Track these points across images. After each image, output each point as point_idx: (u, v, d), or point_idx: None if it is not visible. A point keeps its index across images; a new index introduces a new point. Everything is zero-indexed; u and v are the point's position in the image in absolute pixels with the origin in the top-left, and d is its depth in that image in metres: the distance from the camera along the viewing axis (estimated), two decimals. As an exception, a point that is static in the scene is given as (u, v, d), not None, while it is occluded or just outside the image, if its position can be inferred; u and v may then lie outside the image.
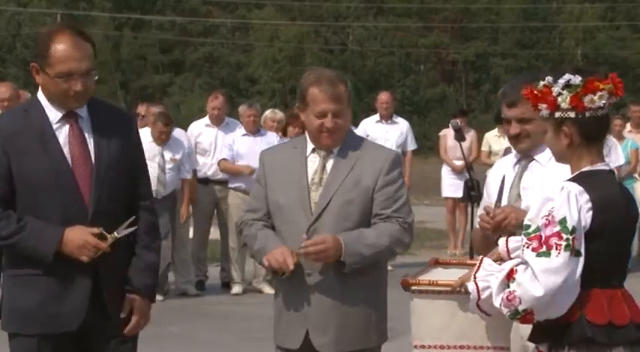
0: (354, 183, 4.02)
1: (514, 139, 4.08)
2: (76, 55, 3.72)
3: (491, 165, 13.07)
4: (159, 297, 9.85)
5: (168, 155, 9.99)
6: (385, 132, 12.03)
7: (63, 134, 3.82)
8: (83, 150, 3.82)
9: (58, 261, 3.67)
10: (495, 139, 13.31)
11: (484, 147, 13.29)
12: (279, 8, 50.48)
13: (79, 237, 3.66)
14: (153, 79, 47.92)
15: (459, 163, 12.72)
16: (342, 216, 4.00)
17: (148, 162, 9.74)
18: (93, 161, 3.81)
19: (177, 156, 10.11)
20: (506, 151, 12.77)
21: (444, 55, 49.74)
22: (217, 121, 10.79)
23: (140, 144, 4.10)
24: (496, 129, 13.40)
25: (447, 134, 13.25)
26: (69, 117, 3.83)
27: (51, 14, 50.21)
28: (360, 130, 12.30)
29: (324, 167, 4.07)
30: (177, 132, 10.50)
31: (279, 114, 11.43)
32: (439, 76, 49.62)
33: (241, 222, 4.24)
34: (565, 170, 3.69)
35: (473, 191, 6.35)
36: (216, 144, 10.68)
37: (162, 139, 10.04)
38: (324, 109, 3.98)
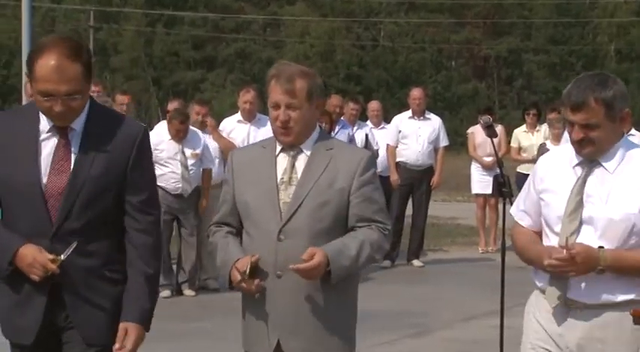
0: (329, 183, 3.86)
1: (577, 144, 3.73)
2: (55, 78, 3.51)
3: (521, 162, 13.17)
4: (190, 292, 9.90)
5: (188, 151, 9.93)
6: (417, 129, 11.98)
7: (50, 145, 3.67)
8: (62, 165, 3.65)
9: (19, 275, 3.62)
10: (524, 135, 13.28)
11: (514, 144, 13.22)
12: (310, 4, 50.50)
13: (30, 255, 3.54)
14: (185, 75, 48.09)
15: (489, 160, 12.66)
16: (315, 218, 3.84)
17: (169, 160, 9.84)
18: (68, 177, 3.64)
19: (198, 151, 10.06)
20: (541, 148, 12.70)
21: (476, 51, 49.57)
22: (249, 116, 10.77)
23: (145, 161, 3.80)
24: (524, 125, 13.41)
25: (475, 131, 13.18)
26: (59, 128, 3.67)
27: (84, 11, 50.51)
28: (392, 126, 12.27)
29: (293, 166, 3.93)
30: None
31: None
32: (471, 71, 49.45)
33: (209, 227, 4.14)
34: (635, 178, 3.63)
35: (504, 187, 6.33)
36: (249, 139, 10.65)
37: (180, 136, 9.98)
38: (276, 101, 3.86)
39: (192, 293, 9.77)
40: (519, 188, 13.03)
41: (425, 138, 11.90)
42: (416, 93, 12.29)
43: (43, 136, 3.66)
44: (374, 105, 13.16)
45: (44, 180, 3.63)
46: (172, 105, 10.95)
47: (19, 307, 3.69)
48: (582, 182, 3.71)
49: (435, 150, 12.00)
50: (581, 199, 3.68)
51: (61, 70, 3.51)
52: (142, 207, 3.74)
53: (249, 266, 3.75)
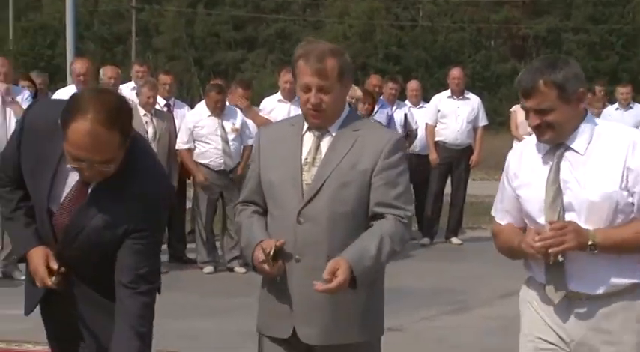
0: (352, 164, 3.66)
1: (536, 131, 3.58)
2: (89, 147, 3.23)
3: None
4: (241, 269, 9.74)
5: (228, 125, 9.97)
6: (456, 108, 11.98)
7: (72, 176, 3.48)
8: (71, 205, 3.51)
9: None
10: None
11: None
12: (350, -16, 50.29)
13: (34, 263, 3.53)
14: (226, 55, 48.11)
15: (530, 138, 12.66)
16: (336, 200, 3.65)
17: (210, 136, 9.94)
18: (69, 221, 3.52)
19: (237, 125, 10.09)
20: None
21: (515, 31, 49.18)
22: (289, 95, 10.80)
23: (157, 222, 3.60)
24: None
25: (517, 110, 13.11)
26: None
27: (127, -8, 50.60)
28: (431, 106, 12.27)
29: (318, 146, 3.73)
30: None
31: (358, 91, 11.37)
32: (510, 51, 49.09)
33: (234, 205, 4.00)
34: (608, 156, 3.50)
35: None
36: (289, 118, 10.71)
37: (219, 108, 10.01)
38: (307, 83, 3.63)
39: (243, 270, 9.58)
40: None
41: (464, 117, 11.90)
42: (455, 72, 12.28)
43: (68, 164, 3.43)
44: (413, 85, 13.14)
45: (55, 208, 3.54)
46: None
47: (31, 285, 3.72)
48: (556, 169, 3.57)
49: (474, 129, 12.00)
50: (559, 187, 3.55)
51: (96, 140, 3.21)
52: (137, 278, 3.49)
53: (273, 250, 3.60)
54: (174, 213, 10.10)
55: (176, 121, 10.40)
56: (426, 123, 12.03)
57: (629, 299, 3.56)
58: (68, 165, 3.42)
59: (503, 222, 3.81)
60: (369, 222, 3.69)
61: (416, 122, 11.97)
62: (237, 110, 10.30)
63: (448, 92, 12.15)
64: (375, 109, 11.21)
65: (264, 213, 3.85)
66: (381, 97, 11.77)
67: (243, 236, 3.83)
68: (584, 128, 3.58)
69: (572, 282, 3.55)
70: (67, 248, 3.56)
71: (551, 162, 3.59)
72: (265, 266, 3.60)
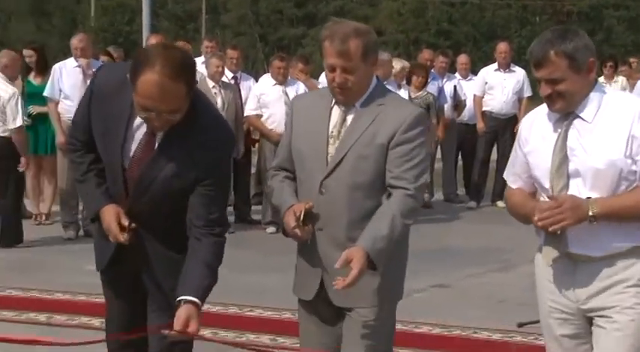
0: (371, 138, 3.53)
1: (547, 100, 3.44)
2: (157, 96, 3.23)
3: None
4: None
5: (291, 92, 9.94)
6: (503, 80, 11.85)
7: (141, 130, 3.47)
8: (142, 157, 3.48)
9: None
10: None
11: (593, 94, 13.08)
12: (404, -35, 49.87)
13: (107, 221, 3.52)
14: (288, 31, 48.10)
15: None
16: (356, 171, 3.54)
17: (275, 103, 9.94)
18: (140, 173, 3.49)
19: (300, 92, 10.08)
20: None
21: (559, 7, 48.49)
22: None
23: (220, 176, 3.54)
24: (602, 77, 13.29)
25: (561, 81, 13.05)
26: None
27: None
28: (479, 78, 12.14)
29: (344, 120, 3.60)
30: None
31: (405, 63, 11.28)
32: (554, 26, 48.38)
33: (268, 170, 3.90)
34: (614, 124, 3.35)
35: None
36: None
37: (282, 75, 10.04)
38: (332, 64, 3.49)
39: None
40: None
41: (510, 89, 11.76)
42: (502, 47, 12.15)
43: (137, 120, 3.46)
44: (462, 59, 13.00)
45: (126, 163, 3.50)
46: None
47: (100, 241, 3.72)
48: (564, 136, 3.42)
49: (519, 100, 11.86)
50: (565, 154, 3.40)
51: (163, 90, 3.22)
52: (208, 223, 3.49)
53: (302, 213, 3.50)
54: (240, 178, 10.17)
55: (242, 93, 10.41)
56: (474, 95, 11.94)
57: (630, 259, 3.41)
58: (136, 122, 3.45)
59: (514, 186, 3.69)
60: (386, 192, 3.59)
61: (464, 93, 11.97)
62: (300, 83, 10.29)
63: (495, 65, 12.02)
64: (427, 81, 11.18)
65: (294, 179, 3.76)
66: (433, 70, 11.74)
67: (274, 200, 3.75)
68: (593, 97, 3.42)
69: (573, 245, 3.42)
70: (138, 201, 3.53)
71: (560, 130, 3.45)
72: (297, 230, 3.51)
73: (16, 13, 49.69)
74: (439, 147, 11.92)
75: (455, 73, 12.67)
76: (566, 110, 3.42)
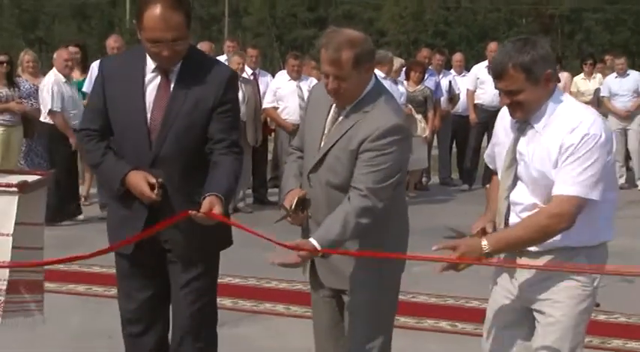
0: (346, 143, 3.38)
1: (508, 109, 3.27)
2: (162, 26, 3.33)
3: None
4: None
5: (304, 86, 9.93)
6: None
7: (154, 83, 3.50)
8: (161, 100, 3.48)
9: (126, 195, 3.50)
10: (582, 82, 13.19)
11: (573, 88, 13.07)
12: (405, -27, 49.70)
13: (135, 184, 3.42)
14: (302, 33, 47.91)
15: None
16: (331, 171, 3.42)
17: (289, 96, 9.91)
18: (163, 113, 3.47)
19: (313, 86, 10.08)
20: (596, 92, 12.45)
21: (543, 11, 48.23)
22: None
23: (231, 101, 3.54)
24: (582, 73, 13.30)
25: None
26: (162, 69, 3.50)
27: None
28: (471, 74, 12.10)
29: (335, 120, 3.47)
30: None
31: (400, 61, 11.16)
32: (538, 28, 48.12)
33: (290, 145, 3.74)
34: (555, 135, 3.13)
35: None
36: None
37: (296, 71, 10.04)
38: (325, 71, 3.37)
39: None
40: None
41: (499, 83, 11.72)
42: (492, 46, 12.10)
43: (148, 76, 3.51)
44: (457, 57, 12.99)
45: (148, 115, 3.48)
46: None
47: (124, 221, 3.60)
48: (515, 142, 3.26)
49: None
50: (514, 157, 3.26)
51: (166, 19, 3.33)
52: (227, 144, 3.49)
53: (295, 202, 3.40)
54: (257, 164, 10.16)
55: (260, 87, 10.40)
56: (467, 89, 11.93)
57: (563, 257, 3.23)
58: (148, 78, 3.50)
59: (490, 166, 3.54)
60: None
61: (458, 88, 12.01)
62: (311, 77, 10.27)
63: (486, 62, 11.95)
64: (425, 77, 11.14)
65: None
66: (430, 67, 11.70)
67: (282, 182, 3.67)
68: (547, 107, 3.20)
69: None
70: (162, 145, 3.46)
71: (515, 134, 3.29)
72: (289, 218, 3.42)
73: (59, 15, 49.67)
74: (435, 135, 11.88)
75: (450, 69, 12.63)
76: (525, 118, 3.24)
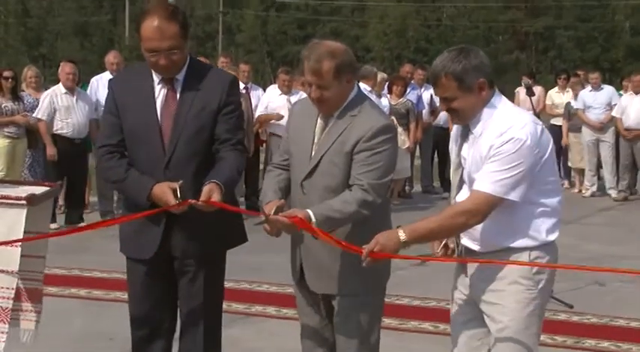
0: (340, 146, 3.36)
1: (448, 114, 3.27)
2: (158, 36, 3.36)
3: (554, 116, 12.95)
4: None
5: (294, 100, 9.88)
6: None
7: (162, 93, 3.53)
8: (170, 107, 3.51)
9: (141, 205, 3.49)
10: (556, 95, 13.20)
11: (548, 101, 13.16)
12: (388, -7, 49.87)
13: (161, 197, 3.37)
14: (292, 49, 47.95)
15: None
16: (328, 176, 3.39)
17: (280, 109, 9.88)
18: (174, 116, 3.50)
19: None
20: (567, 105, 12.48)
21: (519, 28, 48.45)
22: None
23: (234, 103, 3.58)
24: (556, 87, 13.32)
25: (520, 91, 13.06)
26: (167, 79, 3.53)
27: None
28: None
29: (324, 128, 3.44)
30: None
31: (383, 75, 11.19)
32: (514, 44, 48.39)
33: (269, 165, 3.74)
34: (488, 139, 3.10)
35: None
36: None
37: (287, 86, 10.06)
38: (308, 80, 3.37)
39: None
40: (553, 138, 12.94)
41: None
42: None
43: (156, 87, 3.54)
44: (437, 72, 12.97)
45: (160, 122, 3.50)
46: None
47: (141, 229, 3.57)
48: (459, 146, 3.27)
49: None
50: (460, 162, 3.26)
51: (162, 30, 3.36)
52: (233, 142, 3.52)
53: (274, 210, 3.31)
54: (250, 173, 10.14)
55: (252, 100, 10.39)
56: (447, 102, 11.90)
57: (510, 256, 3.18)
58: (156, 92, 3.52)
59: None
60: None
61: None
62: (301, 91, 10.26)
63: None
64: (407, 90, 11.15)
65: (287, 176, 3.58)
66: (412, 81, 11.69)
67: (262, 192, 3.62)
68: (483, 113, 3.16)
69: (465, 237, 3.25)
70: (175, 146, 3.47)
71: (459, 139, 3.29)
72: (266, 225, 3.32)
73: (62, 33, 49.60)
74: (418, 146, 11.87)
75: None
76: (462, 124, 3.24)
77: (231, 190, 3.53)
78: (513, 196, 3.10)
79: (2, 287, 3.21)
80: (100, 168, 3.69)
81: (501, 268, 3.20)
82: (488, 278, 3.23)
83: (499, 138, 3.09)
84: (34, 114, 9.00)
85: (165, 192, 3.37)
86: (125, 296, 6.09)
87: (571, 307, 6.04)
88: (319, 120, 3.48)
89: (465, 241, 3.28)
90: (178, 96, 3.52)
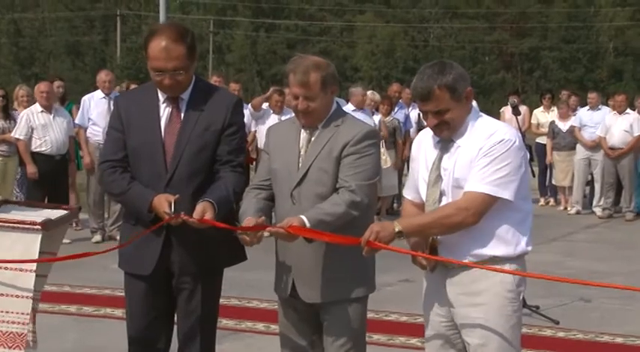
0: (328, 153, 3.40)
1: (434, 129, 3.21)
2: (164, 56, 3.36)
3: (539, 134, 13.01)
4: None
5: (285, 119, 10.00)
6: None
7: (167, 112, 3.52)
8: (174, 126, 3.50)
9: (142, 220, 3.47)
10: (541, 114, 13.27)
11: (533, 120, 13.20)
12: (377, 13, 50.11)
13: (159, 207, 3.36)
14: (281, 68, 48.00)
15: (515, 133, 12.56)
16: (318, 183, 3.40)
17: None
18: (177, 135, 3.48)
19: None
20: (551, 124, 12.55)
21: (505, 49, 48.76)
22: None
23: (238, 124, 3.57)
24: (541, 107, 13.39)
25: (505, 110, 13.10)
26: (172, 98, 3.52)
27: (206, 19, 50.73)
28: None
29: (309, 140, 3.48)
30: None
31: (377, 96, 11.30)
32: (500, 65, 48.67)
33: (247, 189, 3.70)
34: (471, 146, 3.12)
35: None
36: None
37: (279, 107, 10.12)
38: (295, 93, 3.41)
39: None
40: (538, 155, 12.96)
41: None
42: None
43: (161, 107, 3.53)
44: (425, 91, 13.02)
45: (164, 139, 3.49)
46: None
47: (140, 244, 3.53)
48: (439, 159, 3.23)
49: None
50: (439, 174, 3.21)
51: (168, 51, 3.36)
52: (234, 164, 3.52)
53: (257, 223, 3.31)
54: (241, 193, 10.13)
55: (242, 119, 10.40)
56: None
57: (485, 271, 3.14)
58: (161, 111, 3.52)
59: (407, 196, 3.47)
60: None
61: (427, 119, 11.92)
62: (289, 110, 10.29)
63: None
64: (395, 109, 11.19)
65: (266, 196, 3.59)
66: (400, 100, 11.72)
67: (240, 211, 3.54)
68: (468, 123, 3.19)
69: (442, 250, 3.21)
70: (177, 164, 3.45)
71: (438, 152, 3.25)
72: (246, 237, 3.32)
73: (54, 53, 49.61)
74: (405, 164, 11.88)
75: (419, 103, 12.65)
76: (451, 136, 3.20)
77: (226, 210, 3.48)
78: (507, 195, 3.11)
79: (17, 313, 3.17)
80: (103, 182, 3.69)
81: (484, 281, 3.17)
82: (470, 292, 3.19)
83: (488, 140, 3.12)
84: (11, 134, 8.97)
85: (162, 203, 3.37)
86: (115, 312, 6.11)
87: (557, 323, 6.05)
88: (303, 134, 3.51)
89: (443, 255, 3.20)
90: (182, 115, 3.51)
